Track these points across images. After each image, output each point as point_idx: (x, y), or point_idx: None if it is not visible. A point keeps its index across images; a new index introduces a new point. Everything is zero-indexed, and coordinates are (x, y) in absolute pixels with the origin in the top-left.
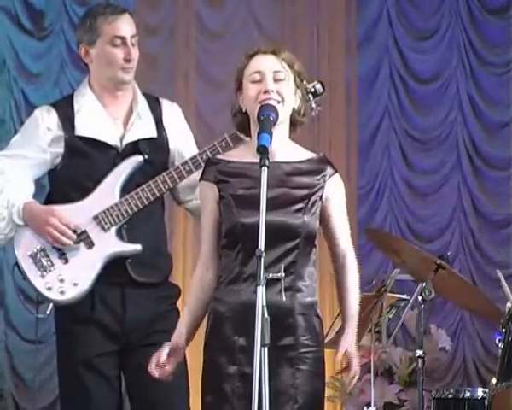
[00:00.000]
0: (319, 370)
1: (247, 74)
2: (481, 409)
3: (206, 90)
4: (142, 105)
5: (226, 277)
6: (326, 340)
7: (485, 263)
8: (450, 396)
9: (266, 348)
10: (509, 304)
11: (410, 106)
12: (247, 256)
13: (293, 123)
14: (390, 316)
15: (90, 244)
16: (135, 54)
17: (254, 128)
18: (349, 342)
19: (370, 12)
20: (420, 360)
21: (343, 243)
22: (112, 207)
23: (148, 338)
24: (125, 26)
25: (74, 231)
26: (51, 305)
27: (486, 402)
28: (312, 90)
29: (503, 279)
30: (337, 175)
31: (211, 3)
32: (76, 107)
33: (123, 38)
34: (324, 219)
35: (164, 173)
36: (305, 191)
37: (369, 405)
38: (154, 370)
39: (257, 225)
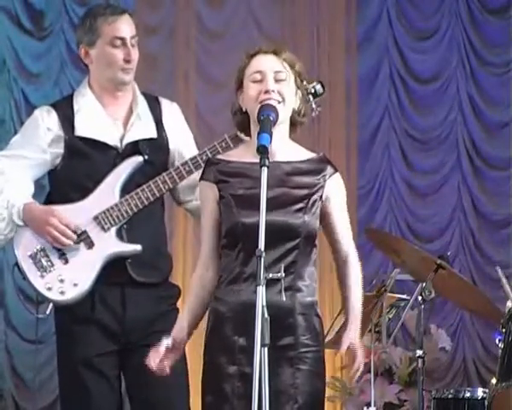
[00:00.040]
0: (319, 370)
1: (247, 74)
2: (481, 409)
3: (206, 90)
4: (142, 105)
5: (226, 277)
6: (326, 340)
7: (485, 263)
8: (450, 396)
9: (266, 348)
10: (508, 304)
11: (410, 106)
12: (248, 256)
13: (293, 123)
14: (390, 316)
15: (90, 244)
16: (135, 55)
17: (254, 128)
18: (352, 335)
19: (370, 12)
20: (420, 360)
21: (345, 242)
22: (112, 208)
23: (148, 338)
24: (125, 27)
25: (74, 232)
26: (51, 305)
27: (486, 402)
28: (312, 90)
29: (503, 277)
30: (337, 174)
31: (211, 3)
32: (76, 107)
33: (123, 39)
34: (325, 219)
35: (164, 174)
36: (305, 191)
37: (369, 405)
38: (152, 364)
39: (257, 225)
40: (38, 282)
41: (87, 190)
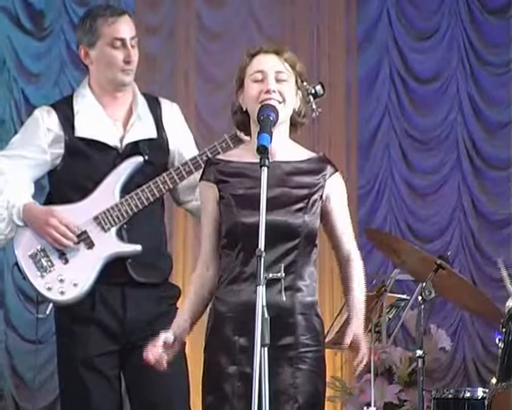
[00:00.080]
0: (319, 369)
1: (248, 73)
2: (481, 409)
3: (206, 90)
4: (142, 106)
5: (226, 277)
6: (326, 340)
7: (485, 263)
8: (450, 396)
9: (266, 348)
10: (508, 304)
11: (410, 106)
12: (248, 256)
13: (294, 124)
14: (390, 316)
15: (90, 245)
16: (135, 55)
17: (254, 128)
18: (355, 328)
19: (370, 12)
20: (420, 360)
21: (346, 240)
22: (112, 208)
23: (148, 338)
24: (125, 28)
25: (74, 232)
26: (51, 305)
27: (486, 402)
28: (313, 91)
29: (503, 269)
30: (337, 174)
31: (211, 3)
32: (76, 108)
33: (123, 40)
34: (326, 218)
35: (164, 174)
36: (305, 191)
37: (369, 405)
38: (150, 357)
39: (257, 225)
40: (38, 282)
41: (87, 190)
